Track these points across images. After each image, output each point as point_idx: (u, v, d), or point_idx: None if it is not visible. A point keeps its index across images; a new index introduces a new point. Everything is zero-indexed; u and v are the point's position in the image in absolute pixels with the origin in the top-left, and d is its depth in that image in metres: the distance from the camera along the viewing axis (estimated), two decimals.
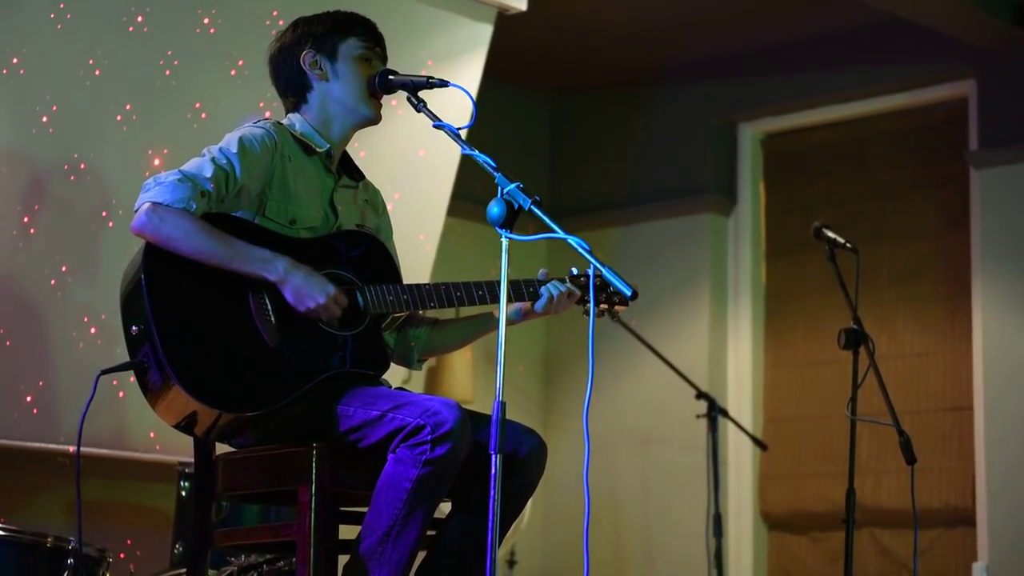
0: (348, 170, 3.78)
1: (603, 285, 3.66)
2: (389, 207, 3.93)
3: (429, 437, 3.30)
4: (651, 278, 7.59)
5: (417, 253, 5.99)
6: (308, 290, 3.41)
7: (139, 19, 5.21)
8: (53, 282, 5.16)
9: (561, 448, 7.57)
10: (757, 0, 7.16)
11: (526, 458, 3.53)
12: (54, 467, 5.43)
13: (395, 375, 4.51)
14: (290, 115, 3.72)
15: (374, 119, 3.71)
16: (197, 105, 5.38)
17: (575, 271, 3.73)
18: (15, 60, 4.97)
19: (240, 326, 3.40)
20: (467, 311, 3.83)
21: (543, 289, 3.66)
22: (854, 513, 4.72)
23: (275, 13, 5.34)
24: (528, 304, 3.68)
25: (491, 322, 3.78)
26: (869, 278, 6.93)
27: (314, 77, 3.67)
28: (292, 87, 3.71)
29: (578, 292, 3.69)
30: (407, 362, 3.83)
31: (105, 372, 3.45)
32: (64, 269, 5.18)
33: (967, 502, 6.91)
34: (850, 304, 4.83)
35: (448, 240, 6.50)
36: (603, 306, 3.70)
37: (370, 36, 3.70)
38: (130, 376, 3.43)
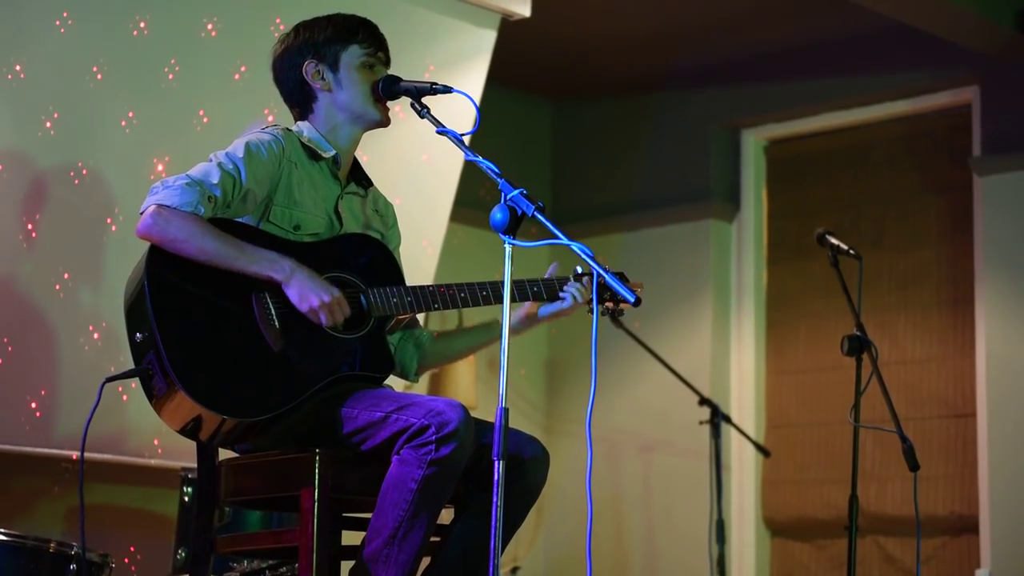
0: (356, 177, 3.78)
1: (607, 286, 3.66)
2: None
3: (434, 437, 3.30)
4: (654, 284, 7.57)
5: (420, 259, 5.99)
6: (311, 290, 3.41)
7: (142, 24, 5.21)
8: (56, 287, 5.16)
9: (564, 454, 7.56)
10: (760, 7, 7.16)
11: (529, 466, 3.53)
12: (57, 472, 5.43)
13: (398, 383, 4.51)
14: (298, 123, 3.73)
15: (383, 122, 3.71)
16: (200, 112, 5.38)
17: (579, 269, 3.72)
18: (18, 66, 4.97)
19: (244, 331, 3.40)
20: (469, 317, 3.83)
21: (566, 293, 3.65)
22: (857, 520, 4.71)
23: (278, 20, 5.33)
24: (532, 308, 3.67)
25: (494, 331, 3.78)
26: (871, 284, 6.93)
27: (317, 88, 3.67)
28: (296, 97, 3.71)
29: (581, 301, 3.67)
30: (404, 373, 3.82)
31: (110, 380, 3.45)
32: (67, 275, 5.18)
33: (971, 509, 6.90)
34: (853, 310, 4.83)
35: (451, 246, 6.50)
36: (608, 304, 3.68)
37: (372, 41, 3.69)
38: (133, 382, 3.43)
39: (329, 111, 3.68)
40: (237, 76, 5.44)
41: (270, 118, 5.29)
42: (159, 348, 3.30)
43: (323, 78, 3.66)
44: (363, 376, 3.52)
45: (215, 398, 3.32)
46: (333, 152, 3.67)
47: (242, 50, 5.43)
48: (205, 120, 5.39)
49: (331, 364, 3.47)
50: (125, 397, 5.10)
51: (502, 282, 3.17)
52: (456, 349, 3.85)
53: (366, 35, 3.69)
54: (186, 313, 3.38)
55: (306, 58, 3.67)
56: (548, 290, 3.70)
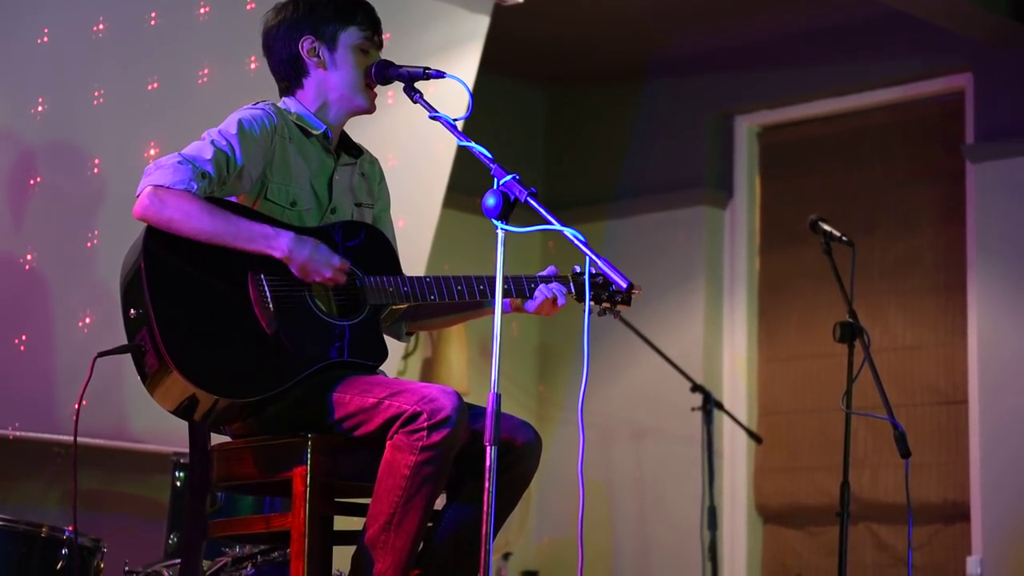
0: (347, 148, 3.77)
1: (605, 284, 3.66)
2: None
3: (426, 424, 3.31)
4: (646, 271, 7.59)
5: (413, 244, 5.99)
6: (314, 265, 3.42)
7: (140, 8, 5.22)
8: (48, 272, 5.16)
9: (556, 440, 7.57)
10: None
11: (521, 451, 3.53)
12: (50, 457, 5.42)
13: (391, 368, 4.51)
14: (284, 99, 3.72)
15: (369, 110, 3.71)
16: (177, 94, 5.39)
17: (578, 269, 3.71)
18: (10, 49, 4.97)
19: (239, 312, 3.40)
20: None
21: (538, 290, 3.64)
22: (848, 506, 4.72)
23: None
24: (519, 301, 3.67)
25: (481, 303, 3.77)
26: (864, 271, 6.93)
27: (312, 64, 3.66)
28: (287, 70, 3.69)
29: (565, 299, 3.66)
30: (396, 334, 3.83)
31: (102, 354, 3.45)
32: (59, 259, 5.18)
33: (962, 496, 6.91)
34: (845, 297, 4.83)
35: (444, 231, 6.49)
36: (605, 305, 3.68)
37: (370, 24, 3.69)
38: (124, 365, 3.43)
39: (320, 89, 3.67)
40: (230, 59, 5.43)
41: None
42: (152, 325, 3.29)
43: (318, 56, 3.65)
44: (356, 363, 3.52)
45: (206, 377, 3.32)
46: (324, 128, 3.67)
47: (236, 32, 5.41)
48: (197, 102, 5.39)
49: (324, 349, 3.47)
50: (118, 382, 5.08)
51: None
52: (441, 317, 3.87)
53: (364, 17, 3.69)
54: (181, 291, 3.38)
55: (304, 33, 3.65)
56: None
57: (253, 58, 5.39)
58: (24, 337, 5.16)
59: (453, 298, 3.59)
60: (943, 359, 7.10)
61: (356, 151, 3.79)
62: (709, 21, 7.48)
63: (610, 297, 3.67)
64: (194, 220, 3.37)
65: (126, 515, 5.73)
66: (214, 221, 3.38)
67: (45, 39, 5.03)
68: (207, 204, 3.39)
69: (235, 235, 3.40)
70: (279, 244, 3.41)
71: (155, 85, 5.31)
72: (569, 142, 8.38)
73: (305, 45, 3.65)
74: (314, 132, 3.66)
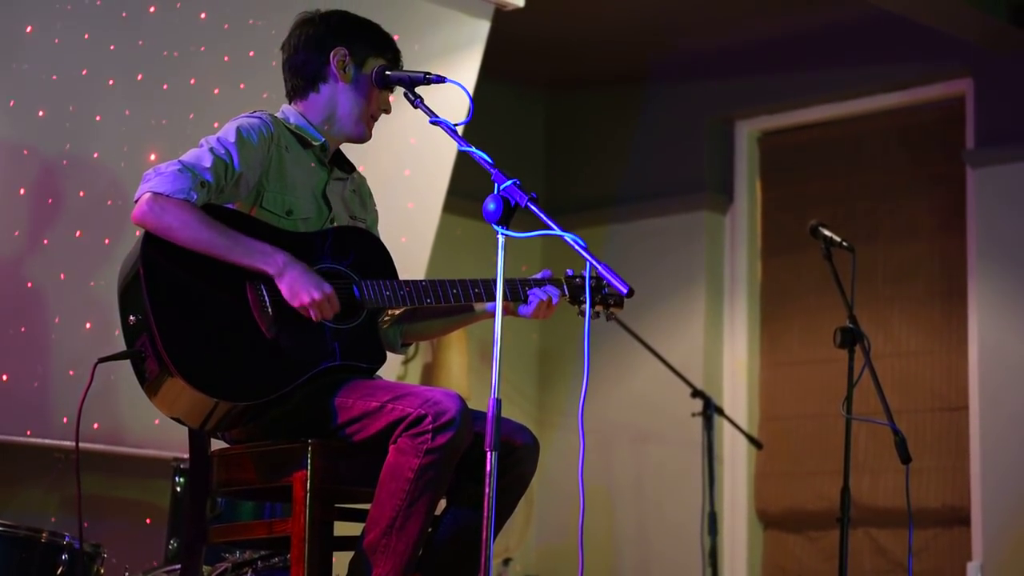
0: (339, 163, 3.78)
1: (599, 286, 3.67)
2: (384, 204, 3.93)
3: (430, 426, 3.31)
4: (647, 276, 7.59)
5: (412, 250, 5.99)
6: (303, 286, 3.41)
7: (138, 12, 5.21)
8: (49, 278, 5.15)
9: (556, 445, 7.56)
10: None
11: (520, 454, 3.54)
12: (50, 462, 5.42)
13: (391, 373, 4.53)
14: (284, 108, 3.72)
15: (365, 139, 3.74)
16: (189, 97, 5.38)
17: (571, 272, 3.73)
18: (10, 55, 4.97)
19: (238, 317, 3.40)
20: None
21: (531, 293, 3.65)
22: (849, 512, 4.72)
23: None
24: (512, 305, 3.68)
25: (474, 311, 3.78)
26: (865, 277, 6.93)
27: (335, 75, 3.66)
28: (306, 72, 3.69)
29: (557, 300, 3.67)
30: (391, 346, 3.83)
31: (102, 360, 3.46)
32: (60, 264, 5.17)
33: (962, 501, 6.91)
34: (846, 303, 4.83)
35: (443, 237, 6.49)
36: (597, 307, 3.69)
37: (396, 64, 3.71)
38: (125, 371, 3.43)
39: (330, 102, 3.68)
40: (231, 63, 5.43)
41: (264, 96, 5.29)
42: (152, 330, 3.30)
43: (345, 70, 3.66)
44: (354, 366, 3.52)
45: (208, 381, 3.33)
46: (322, 140, 3.68)
47: (237, 37, 5.42)
48: (199, 107, 5.39)
49: (323, 353, 3.47)
50: (118, 387, 5.09)
51: (494, 280, 3.17)
52: (436, 324, 3.87)
53: (394, 56, 3.72)
54: (180, 297, 3.38)
55: (340, 43, 3.66)
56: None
57: (251, 52, 5.40)
58: (25, 343, 5.15)
59: (449, 301, 3.60)
60: (944, 365, 7.10)
61: (348, 167, 3.81)
62: (709, 26, 7.48)
63: (603, 300, 3.68)
64: (192, 230, 3.37)
65: (126, 520, 5.73)
66: (212, 233, 3.39)
67: (57, 40, 5.03)
68: (205, 215, 3.40)
69: (232, 248, 3.41)
70: (273, 261, 3.42)
71: (164, 87, 5.31)
72: (570, 147, 8.38)
73: (339, 53, 3.66)
74: (313, 143, 3.67)
